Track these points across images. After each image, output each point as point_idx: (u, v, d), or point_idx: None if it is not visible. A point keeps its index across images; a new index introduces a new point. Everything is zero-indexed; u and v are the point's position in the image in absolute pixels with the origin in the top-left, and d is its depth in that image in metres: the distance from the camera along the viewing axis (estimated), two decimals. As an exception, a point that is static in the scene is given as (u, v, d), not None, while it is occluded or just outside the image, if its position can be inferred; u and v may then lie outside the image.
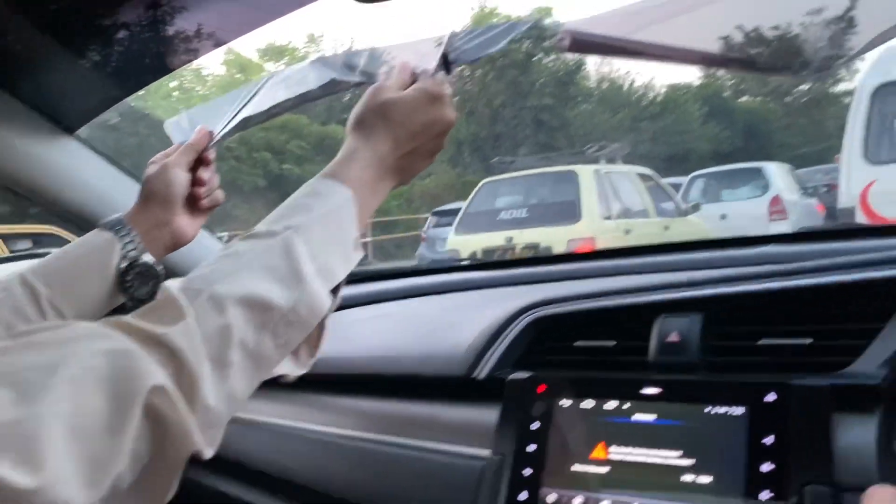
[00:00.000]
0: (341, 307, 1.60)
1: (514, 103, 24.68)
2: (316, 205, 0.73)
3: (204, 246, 1.32)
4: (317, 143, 19.26)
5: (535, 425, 0.91)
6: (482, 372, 1.04)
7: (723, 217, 9.14)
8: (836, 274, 0.90)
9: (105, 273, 0.92)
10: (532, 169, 8.22)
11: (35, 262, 0.94)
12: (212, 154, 1.04)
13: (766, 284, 0.93)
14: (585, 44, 0.86)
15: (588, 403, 0.89)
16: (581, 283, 1.28)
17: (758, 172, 9.81)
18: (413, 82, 0.83)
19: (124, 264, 0.93)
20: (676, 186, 10.10)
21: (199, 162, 1.03)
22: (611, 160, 8.05)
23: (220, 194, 1.07)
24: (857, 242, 1.18)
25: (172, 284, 0.64)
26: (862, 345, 0.82)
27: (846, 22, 0.85)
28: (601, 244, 6.43)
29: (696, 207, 8.24)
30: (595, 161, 7.78)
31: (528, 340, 1.07)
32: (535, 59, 25.94)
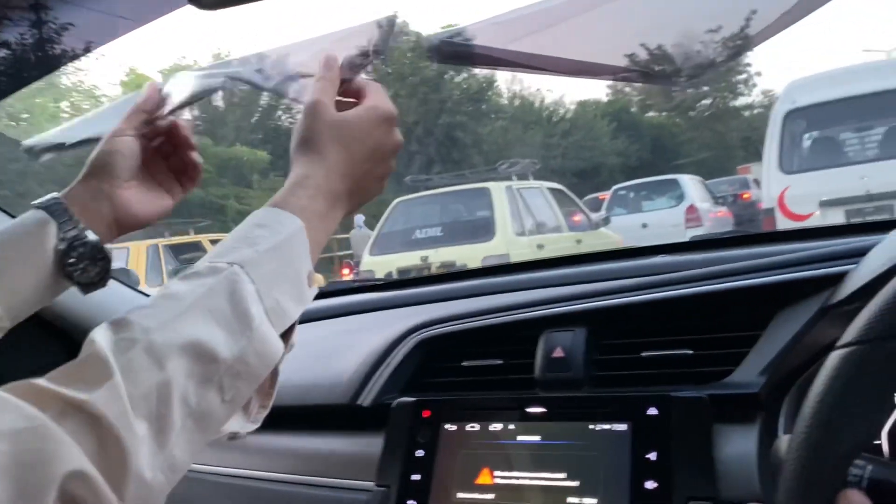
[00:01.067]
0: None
1: (426, 121, 24.83)
2: (263, 237, 0.65)
3: (118, 295, 1.23)
4: (221, 165, 18.77)
5: (420, 452, 0.88)
6: (367, 398, 1.00)
7: (644, 226, 9.82)
8: (715, 283, 0.91)
9: (40, 258, 0.77)
10: (446, 187, 8.34)
11: None
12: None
13: (646, 295, 0.93)
14: (454, 53, 0.85)
15: (473, 427, 0.87)
16: (473, 301, 1.26)
17: (674, 184, 10.66)
18: (344, 81, 0.78)
19: (63, 246, 0.77)
20: (594, 202, 10.86)
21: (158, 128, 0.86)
22: (522, 176, 8.08)
23: (196, 166, 0.88)
24: (743, 250, 1.21)
25: (100, 336, 0.56)
26: (741, 353, 0.83)
27: (717, 32, 0.86)
28: (515, 260, 6.28)
29: (606, 221, 8.57)
30: (508, 177, 7.89)
31: (416, 363, 1.04)
32: (446, 76, 26.22)
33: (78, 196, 0.80)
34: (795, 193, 5.91)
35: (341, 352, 1.12)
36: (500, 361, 0.98)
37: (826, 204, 5.79)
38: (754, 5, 0.82)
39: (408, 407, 0.93)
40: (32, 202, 0.81)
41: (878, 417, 0.51)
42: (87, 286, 0.79)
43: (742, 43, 0.82)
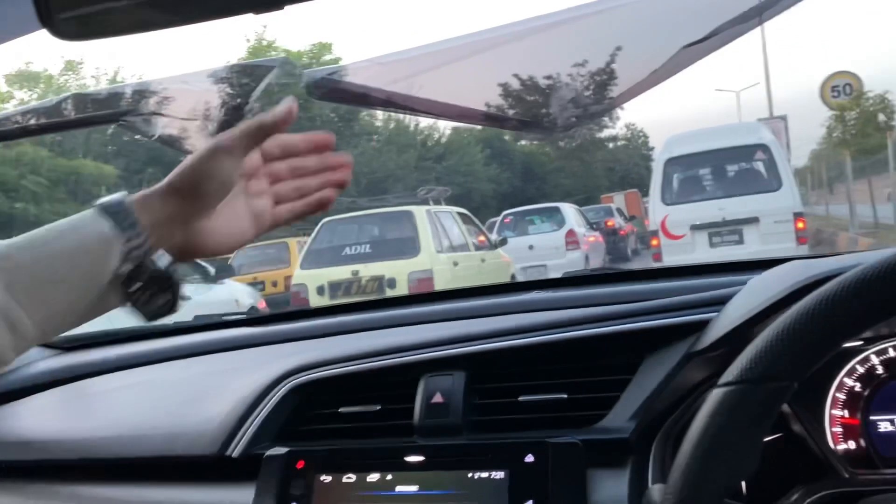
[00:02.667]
0: (88, 374, 1.45)
1: (293, 140, 24.39)
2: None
3: None
4: (58, 179, 17.44)
5: (294, 506, 0.87)
6: (236, 448, 0.98)
7: (530, 248, 11.44)
8: (588, 327, 0.96)
9: (94, 280, 0.66)
10: (368, 209, 9.36)
11: None
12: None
13: (523, 340, 0.97)
14: (333, 91, 0.86)
15: (350, 477, 0.87)
16: (351, 339, 1.26)
17: (555, 210, 12.59)
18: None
19: (126, 269, 0.67)
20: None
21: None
22: (436, 201, 9.18)
23: (327, 195, 0.77)
24: (615, 288, 1.28)
25: None
26: (613, 397, 0.88)
27: (590, 86, 0.92)
28: (438, 275, 7.58)
29: (503, 242, 9.89)
30: (425, 202, 8.96)
31: (290, 410, 1.02)
32: (316, 94, 25.98)
33: (153, 209, 0.68)
34: (673, 219, 8.30)
35: (210, 396, 1.09)
36: (378, 407, 0.98)
37: (695, 227, 8.21)
38: (626, 60, 0.88)
39: (280, 458, 0.91)
40: (96, 202, 0.68)
41: (752, 455, 0.55)
42: (153, 316, 0.69)
43: (610, 102, 0.88)
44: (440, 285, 7.39)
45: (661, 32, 0.85)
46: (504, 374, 0.97)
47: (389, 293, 7.30)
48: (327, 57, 27.86)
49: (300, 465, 0.89)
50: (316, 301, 7.72)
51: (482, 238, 9.46)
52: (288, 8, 0.63)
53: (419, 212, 8.21)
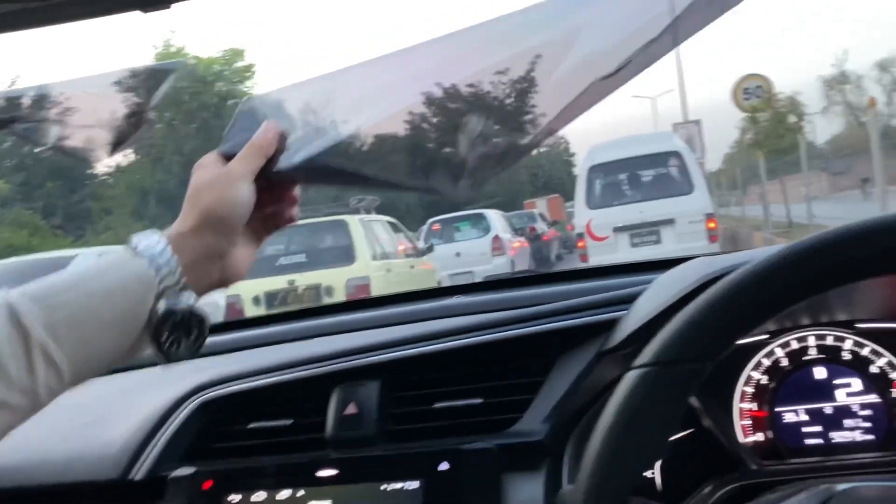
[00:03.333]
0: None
1: (206, 149, 23.81)
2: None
3: None
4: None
5: (201, 528, 0.85)
6: (140, 471, 0.95)
7: (457, 254, 11.71)
8: (501, 330, 0.97)
9: (134, 318, 0.66)
10: (302, 219, 8.95)
11: (31, 284, 0.63)
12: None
13: (436, 345, 0.97)
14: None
15: (259, 496, 0.85)
16: (263, 352, 1.24)
17: (481, 217, 12.77)
18: None
19: (162, 308, 0.66)
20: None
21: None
22: (367, 210, 9.45)
23: (294, 213, 0.81)
24: (532, 290, 1.30)
25: None
26: (527, 400, 0.89)
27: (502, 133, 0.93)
28: (374, 282, 7.75)
29: (430, 249, 10.16)
30: (357, 211, 9.26)
31: (198, 428, 1.00)
32: (230, 102, 25.54)
33: (189, 248, 0.69)
34: (597, 223, 8.99)
35: (112, 418, 1.06)
36: (289, 421, 0.97)
37: (617, 229, 8.89)
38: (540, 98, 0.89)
39: (186, 478, 0.89)
40: (133, 239, 0.68)
41: (662, 440, 0.56)
42: (178, 358, 0.69)
43: (524, 146, 0.89)
44: (377, 291, 7.52)
45: (574, 66, 0.85)
46: (420, 381, 0.97)
47: (327, 301, 7.39)
48: (240, 63, 27.41)
49: (207, 485, 0.88)
50: (252, 312, 7.73)
51: (410, 246, 9.73)
52: (175, 6, 0.62)
53: (353, 221, 8.44)
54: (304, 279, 7.98)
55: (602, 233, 8.93)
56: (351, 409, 0.94)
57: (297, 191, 0.80)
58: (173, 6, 0.63)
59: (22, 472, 1.03)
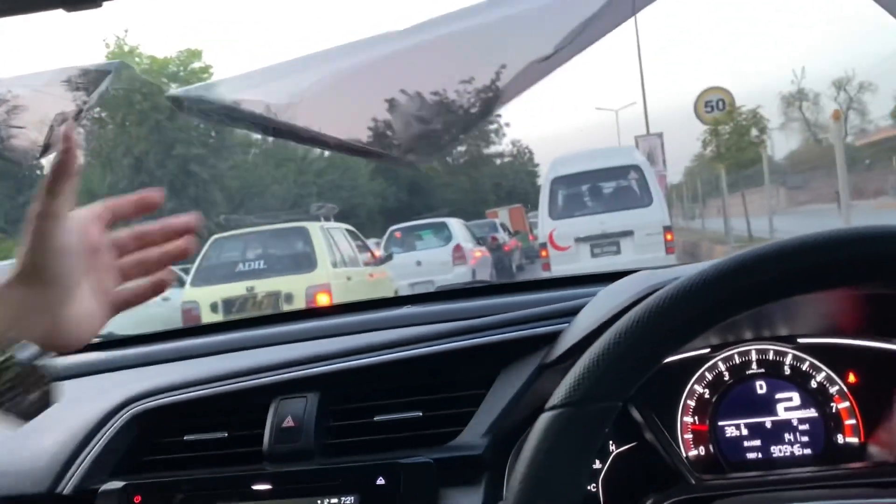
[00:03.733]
0: None
1: (158, 151, 23.47)
2: None
3: None
4: None
5: (129, 544, 0.83)
6: (69, 485, 0.93)
7: (418, 263, 11.62)
8: (443, 342, 0.97)
9: None
10: (260, 226, 9.48)
11: None
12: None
13: (376, 357, 0.97)
14: (205, 111, 0.84)
15: (191, 510, 0.84)
16: (200, 363, 1.22)
17: (443, 225, 12.72)
18: None
19: None
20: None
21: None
22: (327, 218, 9.36)
23: (165, 277, 0.75)
24: (483, 301, 1.30)
25: None
26: (469, 413, 0.89)
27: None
28: (335, 289, 7.71)
29: (389, 257, 10.23)
30: (317, 218, 9.22)
31: (130, 440, 0.98)
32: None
33: (8, 301, 0.65)
34: (559, 233, 9.27)
35: (42, 430, 1.02)
36: (224, 434, 0.96)
37: (579, 239, 9.17)
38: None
39: (115, 492, 0.87)
40: None
41: (581, 479, 0.57)
42: (25, 416, 0.65)
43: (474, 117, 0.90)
44: (338, 299, 7.52)
45: (510, 48, 0.87)
46: (360, 394, 0.96)
47: (286, 308, 7.24)
48: (196, 64, 27.10)
49: (137, 499, 0.86)
50: (209, 318, 7.67)
51: (367, 254, 9.75)
52: (107, 5, 0.61)
53: (314, 227, 8.47)
54: (263, 286, 7.97)
55: (564, 243, 9.22)
56: (289, 422, 0.92)
57: (189, 243, 0.75)
58: (105, 4, 0.61)
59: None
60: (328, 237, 8.52)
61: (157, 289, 0.74)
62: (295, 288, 7.79)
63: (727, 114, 14.47)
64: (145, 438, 0.99)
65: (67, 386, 1.24)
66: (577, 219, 9.38)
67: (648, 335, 0.55)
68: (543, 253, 9.41)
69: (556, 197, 9.70)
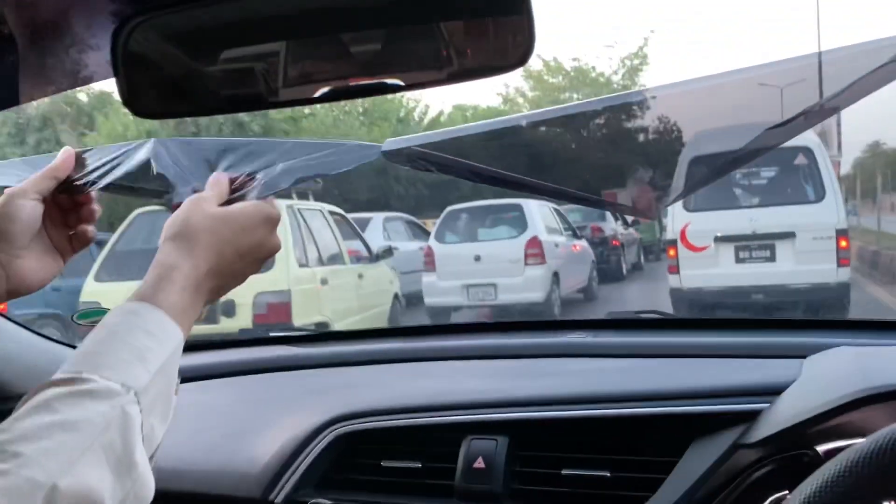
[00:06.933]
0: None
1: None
2: (152, 351, 0.69)
3: (33, 347, 1.26)
4: None
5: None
6: (280, 495, 1.08)
7: (477, 258, 9.09)
8: (636, 406, 1.05)
9: None
10: None
11: None
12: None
13: (569, 412, 1.06)
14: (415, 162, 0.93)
15: (390, 536, 0.97)
16: (391, 381, 1.34)
17: (517, 209, 9.53)
18: (232, 194, 0.85)
19: None
20: (364, 222, 9.78)
21: (67, 193, 0.89)
22: (302, 195, 7.22)
23: (90, 232, 0.92)
24: (657, 338, 1.39)
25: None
26: (658, 479, 0.97)
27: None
28: (298, 298, 5.89)
29: (389, 252, 8.17)
30: (287, 194, 6.34)
31: (332, 458, 1.12)
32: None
33: None
34: (695, 229, 7.60)
35: (251, 435, 1.19)
36: (419, 465, 1.09)
37: (720, 239, 7.56)
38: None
39: (325, 509, 1.02)
40: None
41: None
42: None
43: None
44: (301, 311, 5.83)
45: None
46: (547, 442, 1.07)
47: (225, 322, 5.39)
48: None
49: (341, 518, 1.00)
50: None
51: (357, 248, 7.85)
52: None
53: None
54: None
55: (701, 242, 7.60)
56: (479, 462, 1.04)
57: (95, 207, 0.91)
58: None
59: (172, 477, 1.14)
60: (298, 223, 6.44)
61: (86, 240, 0.91)
62: (237, 295, 5.20)
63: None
64: (345, 458, 1.13)
65: (267, 381, 1.41)
66: (719, 212, 7.69)
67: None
68: (671, 252, 7.77)
69: (686, 183, 8.50)
